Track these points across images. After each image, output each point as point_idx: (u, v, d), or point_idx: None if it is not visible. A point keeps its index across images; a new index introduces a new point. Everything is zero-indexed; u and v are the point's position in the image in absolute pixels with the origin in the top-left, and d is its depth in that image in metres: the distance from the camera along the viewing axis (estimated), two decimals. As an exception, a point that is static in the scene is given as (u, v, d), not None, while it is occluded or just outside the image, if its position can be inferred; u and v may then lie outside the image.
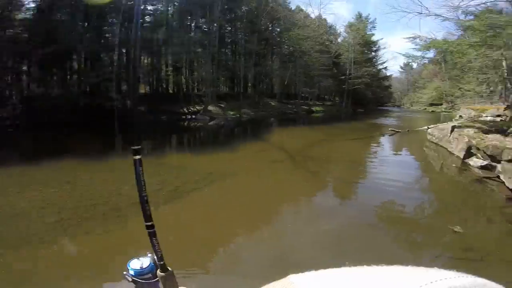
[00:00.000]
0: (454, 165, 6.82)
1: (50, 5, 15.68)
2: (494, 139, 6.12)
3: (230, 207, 4.01)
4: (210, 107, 18.49)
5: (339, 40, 35.81)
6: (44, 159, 6.28)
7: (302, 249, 3.00)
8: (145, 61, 19.90)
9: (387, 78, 43.42)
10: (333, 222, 3.73)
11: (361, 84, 30.94)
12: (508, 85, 9.96)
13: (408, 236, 3.39)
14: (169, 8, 19.26)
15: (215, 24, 19.95)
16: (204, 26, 20.83)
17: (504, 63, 10.22)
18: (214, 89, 20.03)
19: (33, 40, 14.68)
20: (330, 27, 35.34)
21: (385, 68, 40.29)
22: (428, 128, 10.69)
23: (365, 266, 0.27)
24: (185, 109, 17.02)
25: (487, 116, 10.42)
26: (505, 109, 9.54)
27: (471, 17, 11.51)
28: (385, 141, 11.04)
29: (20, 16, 16.54)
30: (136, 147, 0.51)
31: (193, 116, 16.34)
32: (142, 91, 20.48)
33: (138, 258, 0.56)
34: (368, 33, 34.19)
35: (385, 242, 3.19)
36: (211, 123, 15.39)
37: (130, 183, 4.64)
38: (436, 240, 3.29)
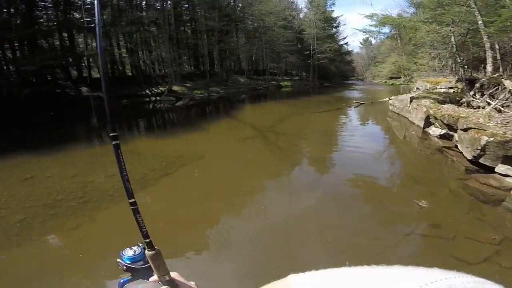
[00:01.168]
0: (415, 133, 7.30)
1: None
2: (449, 109, 6.66)
3: (205, 192, 3.88)
4: (175, 87, 17.52)
5: (301, 16, 36.24)
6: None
7: (286, 227, 3.05)
8: (94, 44, 18.25)
9: (348, 53, 45.08)
10: (312, 197, 3.81)
11: (324, 59, 32.07)
12: (457, 59, 10.76)
13: (378, 210, 3.46)
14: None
15: (169, 2, 18.95)
16: (157, 4, 19.26)
17: (452, 39, 10.94)
18: (177, 69, 19.08)
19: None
20: (292, 2, 35.48)
21: (346, 43, 41.78)
22: (390, 99, 11.33)
23: (365, 266, 0.27)
24: (147, 91, 15.85)
25: (441, 88, 11.32)
26: (456, 81, 10.41)
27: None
28: (352, 113, 11.49)
29: None
30: (113, 134, 0.58)
31: (157, 98, 15.30)
32: (96, 75, 18.66)
33: (130, 248, 0.58)
34: (328, 9, 35.06)
35: (359, 217, 3.29)
36: (178, 103, 14.58)
37: (93, 175, 4.28)
38: (404, 215, 3.34)
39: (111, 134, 0.58)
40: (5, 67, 14.64)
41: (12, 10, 14.07)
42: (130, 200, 0.59)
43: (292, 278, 0.27)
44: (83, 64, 17.76)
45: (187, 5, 22.53)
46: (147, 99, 15.10)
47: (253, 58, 28.28)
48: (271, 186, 4.28)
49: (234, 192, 3.94)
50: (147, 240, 0.55)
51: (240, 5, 26.51)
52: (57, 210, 3.29)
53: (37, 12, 15.40)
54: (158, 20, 17.99)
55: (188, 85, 19.02)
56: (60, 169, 4.74)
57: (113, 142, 0.58)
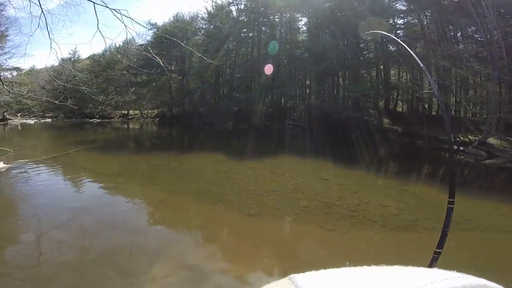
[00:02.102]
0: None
1: (316, 27, 20.15)
2: None
3: None
4: (491, 140, 13.42)
5: None
6: (311, 156, 8.23)
7: None
8: (404, 77, 19.79)
9: None
10: None
11: None
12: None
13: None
14: (424, 20, 17.00)
15: (495, 33, 14.44)
16: (477, 35, 15.68)
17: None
18: (502, 116, 14.21)
19: (310, 59, 19.61)
20: None
21: None
22: None
23: (365, 266, 0.28)
24: (450, 137, 13.80)
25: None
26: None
27: None
28: None
29: (300, 38, 22.79)
30: (451, 200, 0.72)
31: (461, 148, 12.74)
32: (399, 109, 19.81)
33: None
34: None
35: None
36: (488, 161, 11.09)
37: (360, 193, 4.82)
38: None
39: (449, 199, 0.72)
40: (335, 91, 20.56)
41: (344, 42, 18.90)
42: (437, 249, 0.73)
43: (293, 278, 0.27)
44: (391, 96, 19.56)
45: (523, 35, 16.13)
46: (446, 146, 13.18)
47: None
48: None
49: None
50: None
51: None
52: (329, 211, 4.21)
53: (362, 45, 19.22)
54: (481, 53, 14.73)
55: (513, 140, 13.68)
56: (348, 182, 5.96)
57: (448, 206, 0.74)
